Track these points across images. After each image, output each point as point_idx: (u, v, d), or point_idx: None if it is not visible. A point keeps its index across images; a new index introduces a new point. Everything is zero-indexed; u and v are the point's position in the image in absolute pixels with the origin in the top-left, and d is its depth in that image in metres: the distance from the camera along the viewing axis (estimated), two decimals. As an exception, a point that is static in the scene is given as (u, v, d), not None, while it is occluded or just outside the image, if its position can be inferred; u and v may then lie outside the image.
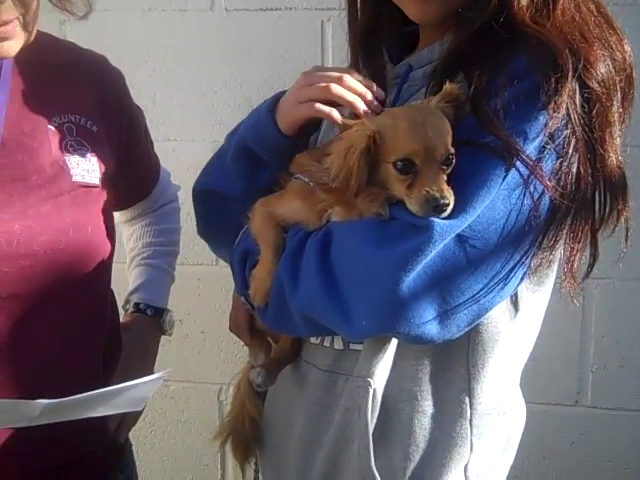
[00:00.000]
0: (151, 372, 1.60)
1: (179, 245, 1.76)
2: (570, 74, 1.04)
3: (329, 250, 1.09)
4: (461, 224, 1.02)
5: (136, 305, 1.59)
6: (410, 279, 1.01)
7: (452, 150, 1.05)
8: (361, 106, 1.13)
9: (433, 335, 1.05)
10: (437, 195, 1.02)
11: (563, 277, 1.13)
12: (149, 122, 1.59)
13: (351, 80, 1.14)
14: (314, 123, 1.22)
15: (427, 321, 1.03)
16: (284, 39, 2.14)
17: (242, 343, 2.32)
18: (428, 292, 1.03)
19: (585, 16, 1.12)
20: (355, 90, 1.14)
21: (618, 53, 1.11)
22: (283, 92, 1.22)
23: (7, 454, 1.24)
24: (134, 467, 1.59)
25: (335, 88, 1.13)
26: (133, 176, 1.51)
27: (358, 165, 1.06)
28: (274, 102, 1.22)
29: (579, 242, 1.10)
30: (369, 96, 1.14)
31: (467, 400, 1.17)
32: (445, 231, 1.01)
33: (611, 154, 1.09)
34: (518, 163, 1.03)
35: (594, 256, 1.15)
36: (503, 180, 1.03)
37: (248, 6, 2.14)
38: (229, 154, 1.27)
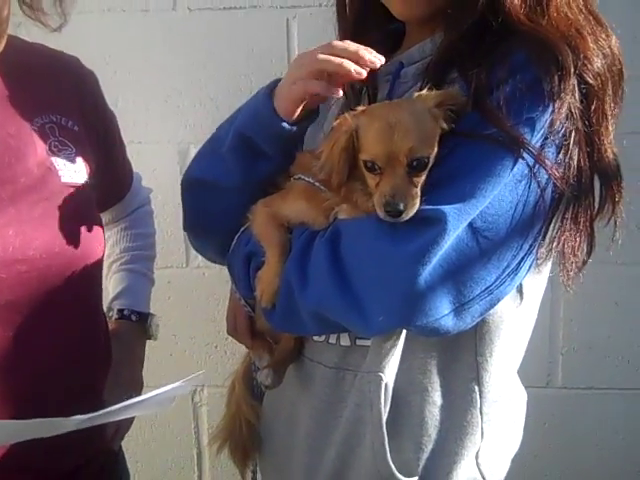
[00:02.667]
0: (140, 380, 1.59)
1: (155, 249, 1.74)
2: (572, 71, 1.06)
3: (339, 248, 1.09)
4: (471, 210, 1.03)
5: (120, 311, 1.57)
6: (427, 272, 1.02)
7: (424, 154, 1.05)
8: (349, 66, 1.08)
9: (449, 327, 1.07)
10: (389, 200, 1.03)
11: (562, 267, 1.17)
12: (112, 125, 1.54)
13: (339, 44, 1.11)
14: (312, 109, 1.20)
15: (444, 313, 1.05)
16: (249, 38, 2.11)
17: (215, 345, 2.33)
18: (444, 284, 1.04)
19: (575, 12, 1.15)
20: (345, 52, 1.09)
21: (607, 48, 1.13)
22: (280, 79, 1.19)
23: (11, 463, 1.20)
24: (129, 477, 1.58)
25: (321, 56, 1.10)
26: (108, 179, 1.48)
27: (339, 162, 1.09)
28: (272, 88, 1.18)
29: (581, 231, 1.13)
30: (362, 53, 1.10)
31: (476, 389, 1.19)
32: (457, 219, 1.02)
33: (607, 147, 1.13)
34: (525, 155, 1.05)
35: (591, 245, 1.18)
36: (511, 171, 1.05)
37: (211, 5, 2.10)
38: (226, 144, 1.21)
